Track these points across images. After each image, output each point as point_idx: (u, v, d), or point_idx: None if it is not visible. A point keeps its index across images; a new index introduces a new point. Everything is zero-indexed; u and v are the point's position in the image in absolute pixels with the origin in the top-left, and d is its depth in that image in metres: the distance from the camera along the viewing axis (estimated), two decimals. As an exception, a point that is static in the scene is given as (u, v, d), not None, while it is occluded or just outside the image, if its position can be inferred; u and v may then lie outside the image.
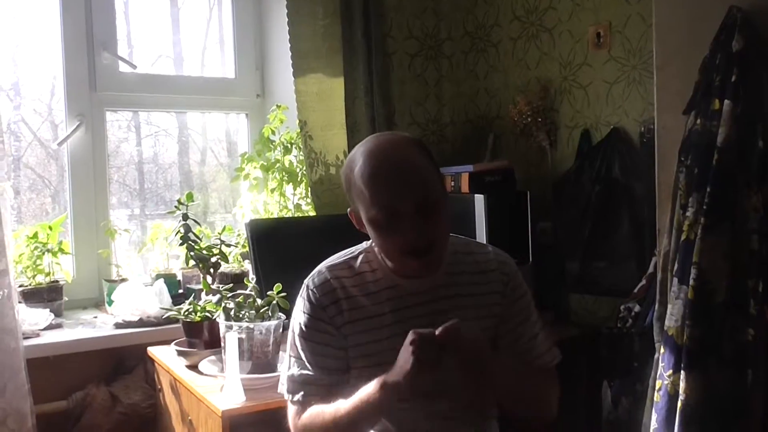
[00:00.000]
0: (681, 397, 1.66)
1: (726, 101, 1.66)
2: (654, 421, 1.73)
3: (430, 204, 1.28)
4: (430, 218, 1.28)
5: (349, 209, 1.38)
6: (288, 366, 1.41)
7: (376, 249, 1.40)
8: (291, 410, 1.41)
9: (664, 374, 1.72)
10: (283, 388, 1.42)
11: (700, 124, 1.71)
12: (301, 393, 1.37)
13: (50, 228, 2.34)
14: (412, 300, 1.38)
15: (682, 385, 1.66)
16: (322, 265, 1.44)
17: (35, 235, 2.32)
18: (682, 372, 1.66)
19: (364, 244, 1.43)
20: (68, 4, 2.50)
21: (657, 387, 1.75)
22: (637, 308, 2.10)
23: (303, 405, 1.38)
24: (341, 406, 1.30)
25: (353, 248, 1.46)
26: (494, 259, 1.46)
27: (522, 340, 1.45)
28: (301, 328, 1.39)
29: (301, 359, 1.38)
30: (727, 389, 1.64)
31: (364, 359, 1.37)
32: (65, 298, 2.37)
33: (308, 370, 1.37)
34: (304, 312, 1.39)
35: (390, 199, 1.27)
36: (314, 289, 1.39)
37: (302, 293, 1.41)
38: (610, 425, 2.12)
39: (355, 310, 1.37)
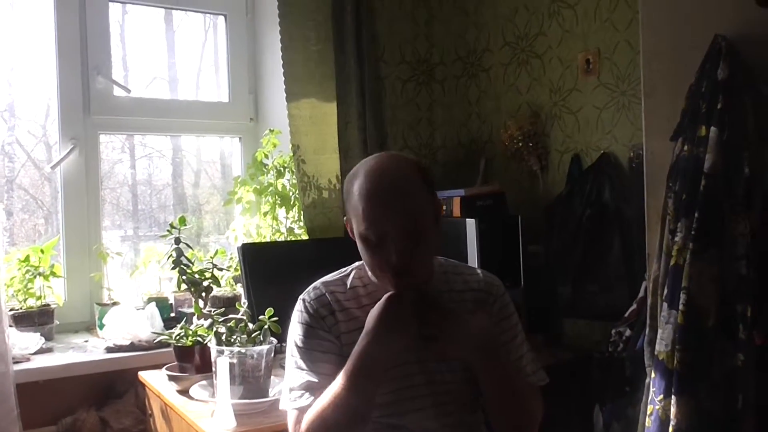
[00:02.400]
0: (672, 422, 1.66)
1: (712, 128, 1.68)
2: (645, 446, 1.73)
3: (419, 230, 1.32)
4: (417, 243, 1.32)
5: (345, 218, 1.43)
6: (288, 380, 1.42)
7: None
8: (291, 418, 1.41)
9: (655, 399, 1.73)
10: (284, 401, 1.42)
11: (687, 151, 1.73)
12: (304, 397, 1.37)
13: (42, 251, 2.34)
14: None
15: (672, 410, 1.66)
16: (317, 282, 1.49)
17: (27, 259, 2.31)
18: (672, 397, 1.67)
19: (356, 264, 1.48)
20: (63, 27, 2.52)
21: (648, 412, 1.75)
22: (628, 332, 2.10)
23: (304, 411, 1.37)
24: (333, 386, 1.33)
25: (345, 268, 1.51)
26: (482, 280, 1.51)
27: (506, 343, 1.48)
28: (300, 338, 1.42)
29: (302, 369, 1.40)
30: (717, 414, 1.64)
31: None
32: (56, 322, 2.37)
33: (310, 376, 1.38)
34: (301, 323, 1.43)
35: (380, 220, 1.31)
36: (311, 302, 1.43)
37: (298, 307, 1.45)
38: (602, 450, 2.11)
39: (351, 321, 1.42)
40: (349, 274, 1.48)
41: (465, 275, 1.51)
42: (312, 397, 1.36)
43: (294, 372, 1.41)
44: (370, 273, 1.42)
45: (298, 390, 1.38)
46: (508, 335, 1.48)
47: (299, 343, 1.42)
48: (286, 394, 1.42)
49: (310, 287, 1.48)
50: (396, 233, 1.30)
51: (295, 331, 1.44)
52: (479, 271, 1.55)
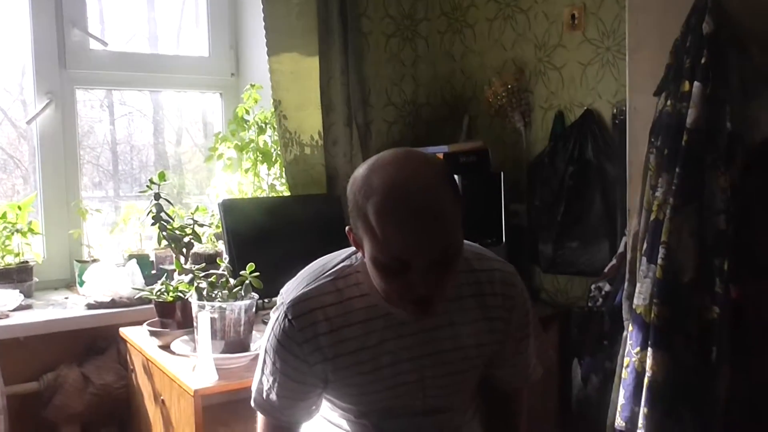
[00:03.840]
0: (648, 374, 1.69)
1: (696, 83, 1.68)
2: (621, 397, 1.77)
3: (450, 257, 1.12)
4: (444, 271, 1.12)
5: (348, 227, 1.18)
6: (259, 379, 1.30)
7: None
8: (260, 422, 1.35)
9: (632, 351, 1.75)
10: (253, 397, 1.33)
11: (671, 106, 1.73)
12: (269, 414, 1.31)
13: (19, 208, 2.30)
14: (405, 330, 1.24)
15: (648, 362, 1.69)
16: (305, 288, 1.24)
17: (4, 215, 2.28)
18: (649, 349, 1.70)
19: (354, 258, 1.26)
20: (37, -21, 2.45)
21: (625, 364, 1.78)
22: (607, 287, 2.13)
23: (268, 423, 1.32)
24: None
25: (341, 260, 1.27)
26: (499, 281, 1.29)
27: (519, 357, 1.38)
28: (273, 352, 1.25)
29: (271, 383, 1.27)
30: (692, 366, 1.67)
31: (350, 387, 1.27)
32: (35, 279, 2.35)
33: (276, 397, 1.27)
34: (279, 341, 1.23)
35: (404, 252, 1.08)
36: (293, 321, 1.21)
37: (279, 317, 1.24)
38: (580, 403, 2.15)
39: (340, 343, 1.22)
40: (345, 277, 1.24)
41: (478, 274, 1.29)
42: (278, 418, 1.29)
43: (264, 376, 1.29)
44: (378, 290, 1.19)
45: (265, 403, 1.29)
46: (523, 333, 1.36)
47: (273, 357, 1.25)
48: (254, 389, 1.32)
49: (297, 295, 1.23)
50: (422, 265, 1.09)
51: (271, 341, 1.25)
52: (495, 264, 1.32)
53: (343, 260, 1.27)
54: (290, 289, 1.26)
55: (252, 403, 1.33)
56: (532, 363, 1.41)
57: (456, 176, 2.32)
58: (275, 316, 1.26)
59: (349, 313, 1.22)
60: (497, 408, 1.46)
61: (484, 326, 1.29)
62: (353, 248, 1.24)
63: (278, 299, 1.30)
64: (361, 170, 1.15)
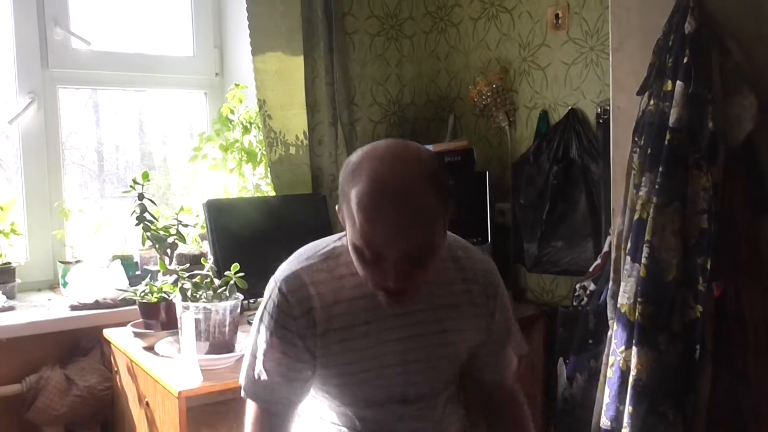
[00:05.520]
0: (632, 373, 1.70)
1: (678, 82, 1.68)
2: (607, 396, 1.78)
3: (422, 253, 1.15)
4: (418, 264, 1.16)
5: (338, 206, 1.22)
6: (249, 363, 1.31)
7: None
8: (249, 408, 1.33)
9: (616, 350, 1.76)
10: (243, 385, 1.33)
11: (654, 105, 1.74)
12: (261, 399, 1.29)
13: (1, 209, 2.28)
14: (389, 311, 1.26)
15: (633, 360, 1.70)
16: (298, 264, 1.27)
17: (-14, 216, 2.26)
18: (633, 348, 1.70)
19: (345, 239, 1.26)
20: (18, -23, 2.42)
21: (610, 363, 1.79)
22: (592, 286, 2.14)
23: (260, 410, 1.30)
24: None
25: (331, 242, 1.31)
26: (480, 268, 1.34)
27: (502, 335, 1.41)
28: (267, 332, 1.26)
29: (263, 364, 1.27)
30: (676, 364, 1.68)
31: (335, 368, 1.28)
32: (18, 280, 2.32)
33: (268, 376, 1.27)
34: (272, 317, 1.26)
35: (379, 241, 1.12)
36: (287, 295, 1.24)
37: (273, 293, 1.26)
38: (566, 402, 2.16)
39: (330, 319, 1.25)
40: (337, 256, 1.28)
41: (461, 261, 1.34)
42: (268, 401, 1.28)
43: (256, 360, 1.29)
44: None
45: (256, 387, 1.29)
46: (505, 316, 1.39)
47: (266, 337, 1.26)
48: (243, 374, 1.32)
49: (290, 272, 1.26)
50: (395, 257, 1.13)
51: (265, 320, 1.27)
52: (473, 253, 1.37)
53: (334, 241, 1.31)
54: (283, 269, 1.29)
55: (242, 393, 1.32)
56: (518, 335, 1.45)
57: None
58: (267, 293, 1.28)
59: (338, 290, 1.26)
60: (498, 413, 1.48)
61: (468, 311, 1.32)
62: (344, 239, 1.27)
63: (270, 281, 1.30)
64: (355, 156, 1.18)
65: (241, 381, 1.33)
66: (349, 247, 1.19)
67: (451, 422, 1.40)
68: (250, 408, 1.32)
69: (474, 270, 1.33)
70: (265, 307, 1.28)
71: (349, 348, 1.26)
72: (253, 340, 1.30)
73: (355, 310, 1.26)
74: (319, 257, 1.28)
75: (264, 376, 1.27)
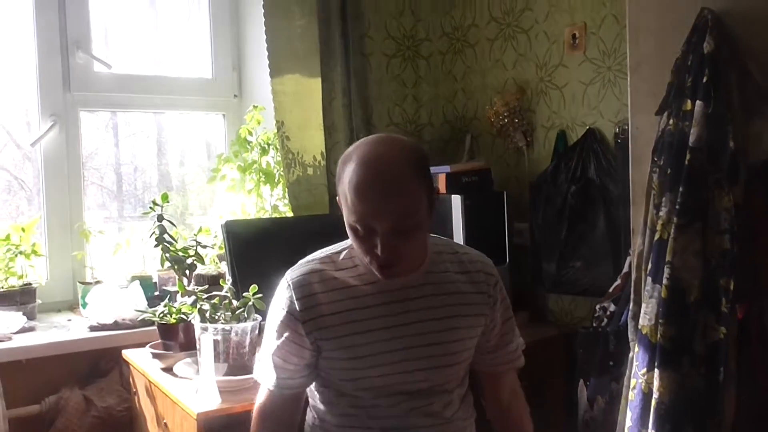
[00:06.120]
0: (655, 396, 1.67)
1: (698, 102, 1.67)
2: (629, 419, 1.75)
3: (407, 228, 1.28)
4: (405, 239, 1.29)
5: (337, 196, 1.37)
6: (265, 348, 1.43)
7: None
8: (261, 392, 1.45)
9: (638, 373, 1.74)
10: (257, 370, 1.47)
11: (673, 125, 1.73)
12: (269, 382, 1.42)
13: (23, 230, 2.31)
14: (394, 296, 1.37)
15: (655, 383, 1.67)
16: (305, 258, 1.44)
17: (8, 237, 2.28)
18: (656, 370, 1.68)
19: (348, 241, 1.40)
20: (42, 2, 2.47)
21: (631, 386, 1.77)
22: (612, 308, 2.11)
23: (269, 392, 1.43)
24: None
25: (337, 244, 1.46)
26: (478, 260, 1.47)
27: (506, 339, 1.50)
28: (278, 321, 1.40)
29: (274, 350, 1.40)
30: (699, 387, 1.65)
31: (339, 351, 1.37)
32: (38, 301, 2.34)
33: (277, 356, 1.40)
34: (282, 308, 1.39)
35: (368, 216, 1.27)
36: (293, 284, 1.38)
37: (282, 286, 1.41)
38: (586, 425, 2.13)
39: (334, 303, 1.37)
40: (340, 252, 1.43)
41: (460, 254, 1.47)
42: (278, 387, 1.40)
43: (270, 346, 1.41)
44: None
45: (268, 371, 1.42)
46: (507, 314, 1.49)
47: (278, 325, 1.40)
48: (259, 359, 1.46)
49: (297, 264, 1.44)
50: (383, 230, 1.27)
51: (276, 311, 1.41)
52: (471, 250, 1.51)
53: (338, 245, 1.45)
54: (294, 268, 1.44)
55: (254, 375, 1.48)
56: (517, 342, 1.53)
57: (458, 196, 2.37)
58: (279, 289, 1.42)
59: (342, 277, 1.39)
60: (502, 409, 1.56)
61: (470, 299, 1.41)
62: (348, 241, 1.40)
63: (283, 278, 1.43)
64: (349, 148, 1.35)
65: (255, 366, 1.48)
66: (347, 229, 1.33)
67: (463, 426, 1.45)
68: (262, 391, 1.44)
69: (473, 262, 1.45)
70: (276, 300, 1.42)
71: (354, 330, 1.36)
72: (268, 327, 1.43)
73: (357, 295, 1.37)
74: (325, 253, 1.44)
75: (274, 358, 1.40)
